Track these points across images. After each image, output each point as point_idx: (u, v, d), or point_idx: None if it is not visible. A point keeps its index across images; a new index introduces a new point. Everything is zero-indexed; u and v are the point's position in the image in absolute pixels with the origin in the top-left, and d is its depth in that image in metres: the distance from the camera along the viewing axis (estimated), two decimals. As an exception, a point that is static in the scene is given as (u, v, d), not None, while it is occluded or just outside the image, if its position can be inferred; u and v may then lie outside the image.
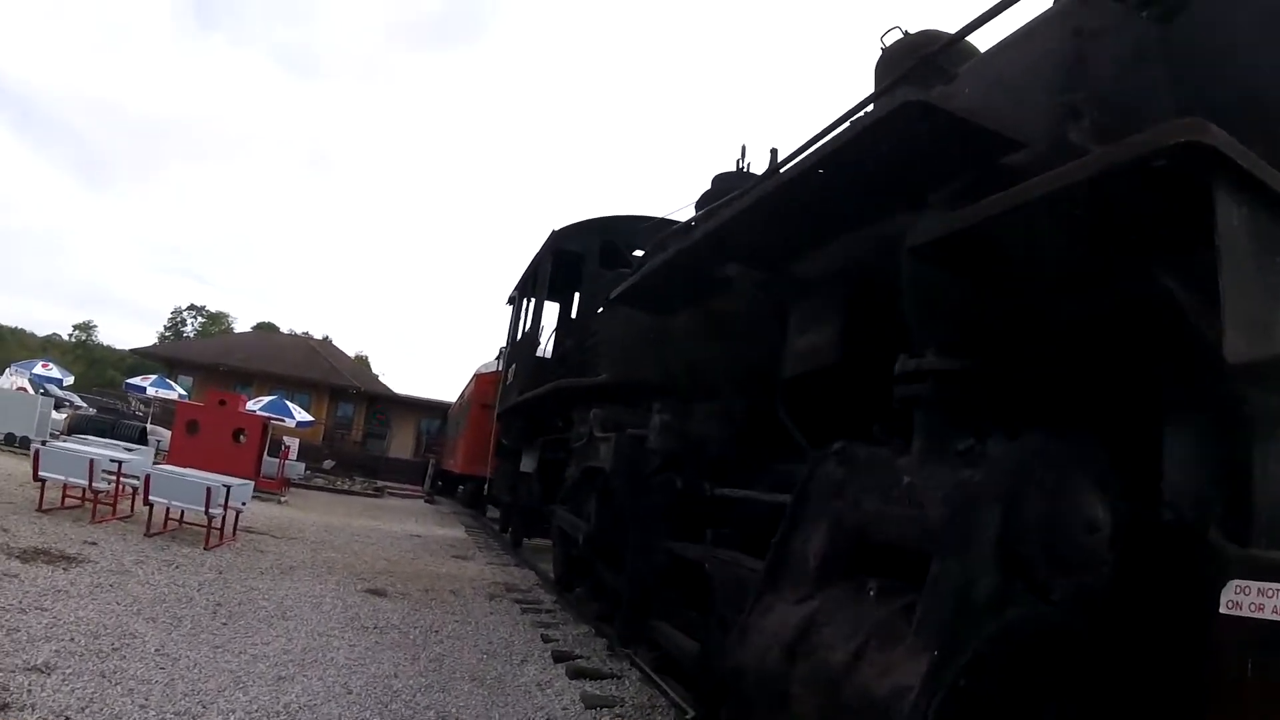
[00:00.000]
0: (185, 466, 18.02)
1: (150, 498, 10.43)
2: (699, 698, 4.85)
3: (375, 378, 50.51)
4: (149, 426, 22.48)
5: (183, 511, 10.95)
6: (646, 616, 6.09)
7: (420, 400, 46.80)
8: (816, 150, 3.83)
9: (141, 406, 27.34)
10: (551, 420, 10.93)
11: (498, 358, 22.82)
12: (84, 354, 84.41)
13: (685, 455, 5.63)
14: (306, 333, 51.74)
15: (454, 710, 5.70)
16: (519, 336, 13.37)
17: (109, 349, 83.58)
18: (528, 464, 12.72)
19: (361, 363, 59.33)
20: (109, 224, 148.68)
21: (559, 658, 7.52)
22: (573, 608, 9.87)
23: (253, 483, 12.66)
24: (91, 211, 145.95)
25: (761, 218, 4.48)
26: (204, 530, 10.58)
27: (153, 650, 5.86)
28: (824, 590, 3.22)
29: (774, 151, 6.70)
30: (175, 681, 5.27)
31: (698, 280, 5.84)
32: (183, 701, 4.93)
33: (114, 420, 22.29)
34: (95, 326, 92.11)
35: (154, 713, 4.67)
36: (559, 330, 12.80)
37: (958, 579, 2.57)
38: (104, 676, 5.11)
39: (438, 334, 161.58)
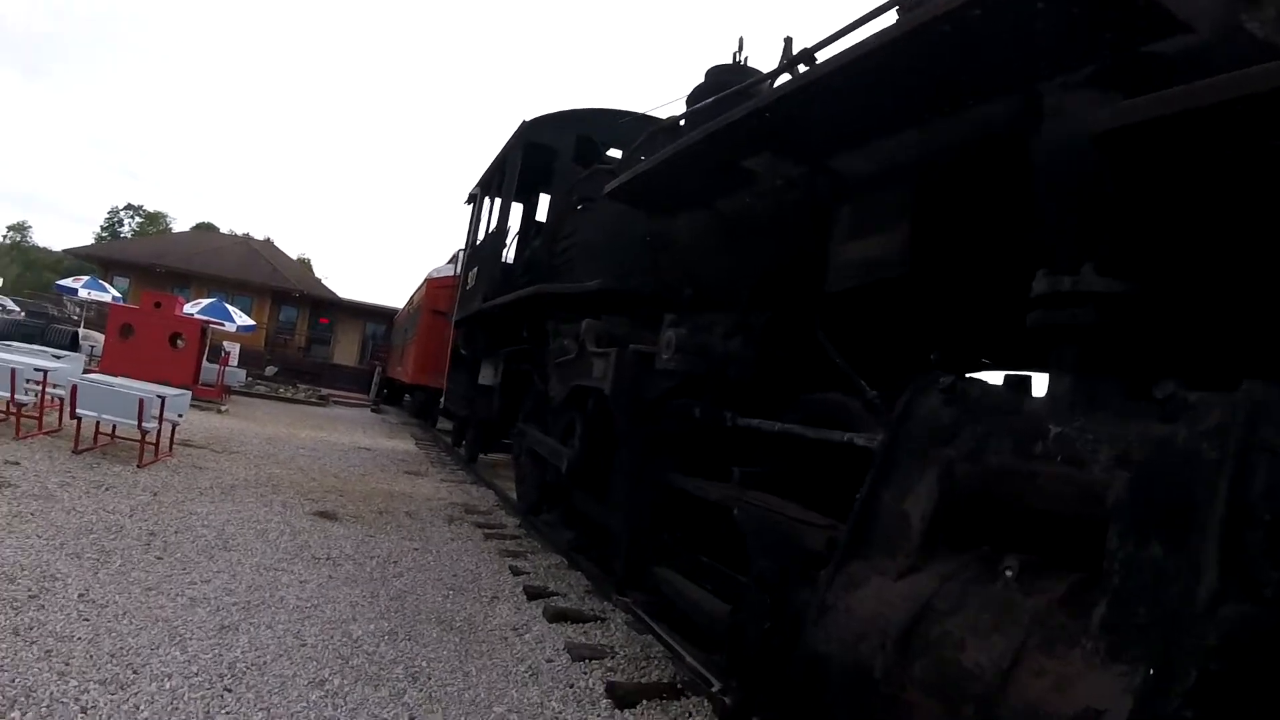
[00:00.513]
0: (119, 374, 17.12)
1: (77, 411, 9.55)
2: (728, 669, 4.20)
3: (319, 282, 48.94)
4: (82, 331, 21.34)
5: (114, 426, 10.09)
6: (647, 560, 5.43)
7: (366, 306, 45.63)
8: (902, 21, 3.08)
9: (77, 310, 26.05)
10: (515, 330, 10.17)
11: (450, 261, 21.90)
12: (19, 256, 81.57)
13: (705, 378, 4.89)
14: (247, 234, 49.80)
15: (424, 664, 5.02)
16: (480, 238, 12.46)
17: (45, 250, 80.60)
18: (487, 376, 11.97)
19: (305, 266, 57.59)
20: (43, 117, 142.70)
21: (533, 594, 6.87)
22: (541, 535, 9.22)
23: (190, 393, 11.79)
24: (23, 102, 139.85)
25: (810, 102, 3.74)
26: (137, 446, 9.74)
27: (75, 596, 5.10)
28: (935, 563, 2.56)
29: (789, 41, 5.91)
30: (100, 637, 4.52)
31: (710, 175, 5.09)
32: (109, 665, 4.18)
33: (43, 325, 21.13)
34: (30, 227, 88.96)
35: (74, 682, 3.92)
36: (523, 231, 11.96)
37: (1162, 567, 1.90)
38: (17, 634, 4.35)
39: (383, 238, 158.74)
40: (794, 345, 5.02)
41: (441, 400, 14.47)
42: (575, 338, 6.38)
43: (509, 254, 11.58)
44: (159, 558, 6.24)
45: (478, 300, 10.82)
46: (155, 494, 8.35)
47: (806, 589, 3.37)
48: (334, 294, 46.89)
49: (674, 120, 7.63)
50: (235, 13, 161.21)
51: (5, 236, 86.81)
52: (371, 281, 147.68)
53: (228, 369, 21.17)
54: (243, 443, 13.50)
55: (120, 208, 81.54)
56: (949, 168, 3.57)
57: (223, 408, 18.55)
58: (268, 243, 49.76)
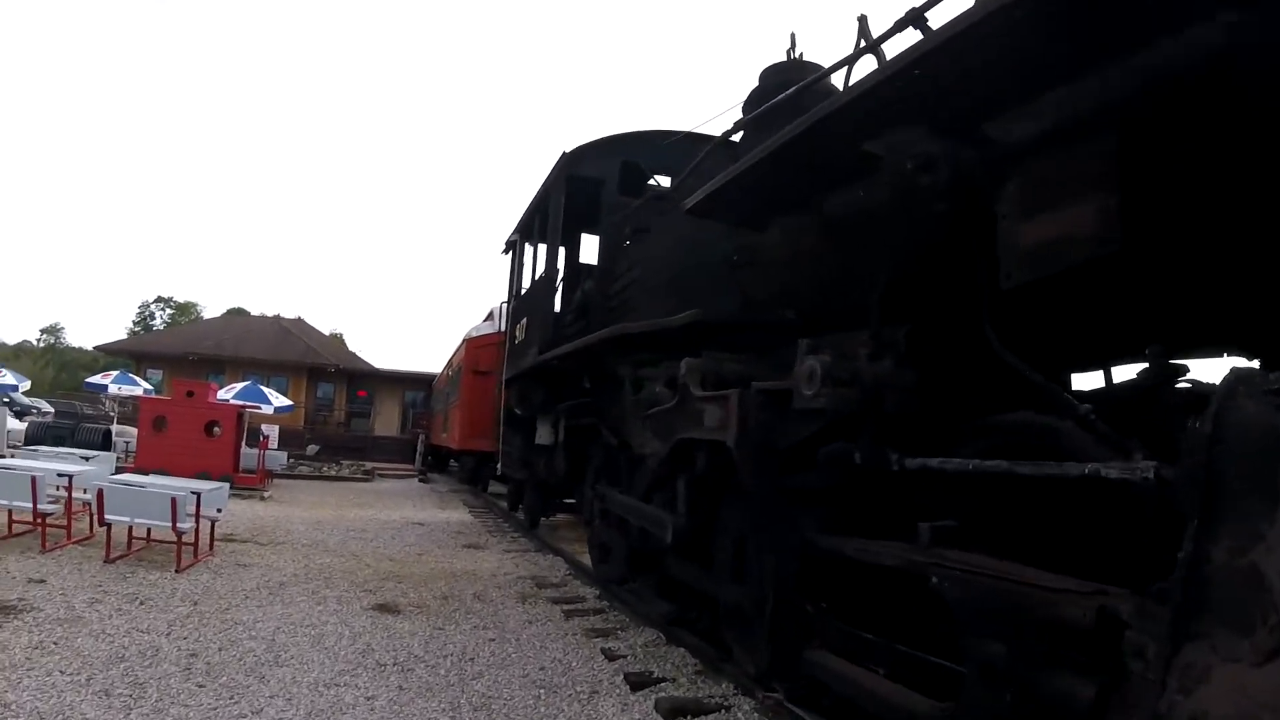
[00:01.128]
0: (154, 468, 16.43)
1: (106, 516, 8.70)
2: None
3: (354, 355, 48.33)
4: (115, 428, 20.60)
5: (149, 529, 9.24)
6: (793, 642, 4.43)
7: (403, 374, 44.86)
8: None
9: (115, 406, 25.43)
10: (576, 382, 9.27)
11: (487, 319, 21.08)
12: (54, 358, 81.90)
13: (857, 414, 3.90)
14: (278, 315, 49.31)
15: (530, 800, 4.08)
16: (524, 287, 11.62)
17: (79, 350, 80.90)
18: (544, 435, 11.07)
19: (338, 341, 57.10)
20: (62, 211, 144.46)
21: (637, 683, 5.92)
22: (627, 606, 8.26)
23: (227, 484, 10.92)
24: (42, 197, 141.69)
25: (964, 53, 2.90)
26: (174, 549, 8.86)
27: (100, 751, 4.21)
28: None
29: (863, 19, 5.03)
30: (127, 813, 3.61)
31: (816, 170, 4.18)
32: None
33: (73, 425, 20.40)
34: (62, 328, 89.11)
35: None
36: (569, 276, 11.06)
37: None
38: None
39: (413, 304, 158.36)
40: (947, 360, 4.06)
41: (498, 465, 13.47)
42: (671, 382, 5.45)
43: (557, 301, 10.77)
44: (201, 685, 5.33)
45: (531, 354, 9.92)
46: (195, 603, 7.46)
47: (1068, 677, 2.61)
48: (370, 365, 46.27)
49: (725, 136, 6.86)
50: (241, 91, 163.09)
51: (39, 339, 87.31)
52: (406, 349, 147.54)
53: (268, 453, 20.39)
54: (289, 531, 12.63)
55: (150, 301, 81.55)
56: (1165, 108, 2.68)
57: (265, 494, 17.74)
58: (299, 321, 49.19)
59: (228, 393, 22.86)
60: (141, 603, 7.29)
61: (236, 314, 59.72)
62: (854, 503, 4.22)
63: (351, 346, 53.14)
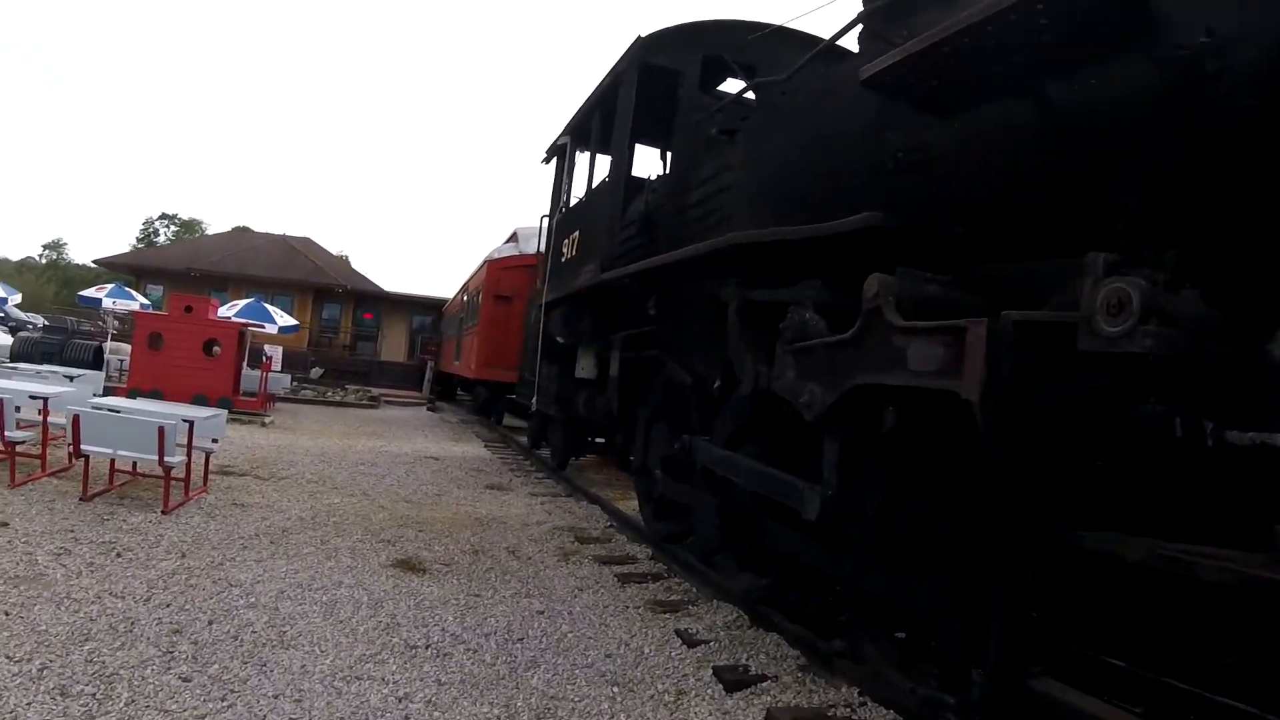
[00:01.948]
0: (148, 389, 15.21)
1: (82, 447, 7.48)
2: None
3: (361, 276, 46.76)
4: (110, 345, 19.29)
5: (134, 461, 8.03)
6: (1019, 666, 3.17)
7: (412, 297, 43.49)
8: None
9: (113, 322, 24.15)
10: (632, 308, 8.02)
11: (509, 240, 19.72)
12: (56, 274, 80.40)
13: (1174, 367, 2.59)
14: (284, 234, 47.61)
15: None
16: (574, 197, 10.25)
17: (81, 267, 79.32)
18: (585, 367, 9.84)
19: (344, 262, 55.56)
20: (67, 126, 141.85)
21: (732, 682, 4.78)
22: (691, 572, 7.13)
23: (225, 412, 9.71)
24: (46, 111, 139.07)
25: None
26: (162, 484, 7.64)
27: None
28: None
29: None
30: None
31: (1061, 41, 2.88)
32: None
33: (63, 341, 19.12)
34: (65, 244, 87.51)
35: None
36: (629, 182, 9.63)
37: None
38: None
39: (421, 227, 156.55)
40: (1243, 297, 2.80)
41: (532, 399, 12.06)
42: (829, 309, 4.18)
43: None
44: (185, 678, 4.15)
45: (587, 272, 8.51)
46: (183, 555, 6.28)
47: None
48: (378, 286, 44.80)
49: (832, 40, 5.56)
50: (257, 13, 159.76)
51: (41, 255, 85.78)
52: (414, 273, 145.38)
53: (271, 375, 19.17)
54: (292, 463, 11.44)
55: (155, 218, 79.54)
56: None
57: (267, 419, 16.54)
58: (306, 240, 47.60)
59: (229, 310, 21.54)
60: (119, 554, 6.11)
61: (241, 231, 58.03)
62: (1128, 489, 2.95)
63: (358, 269, 51.27)
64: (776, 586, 5.79)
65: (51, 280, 76.55)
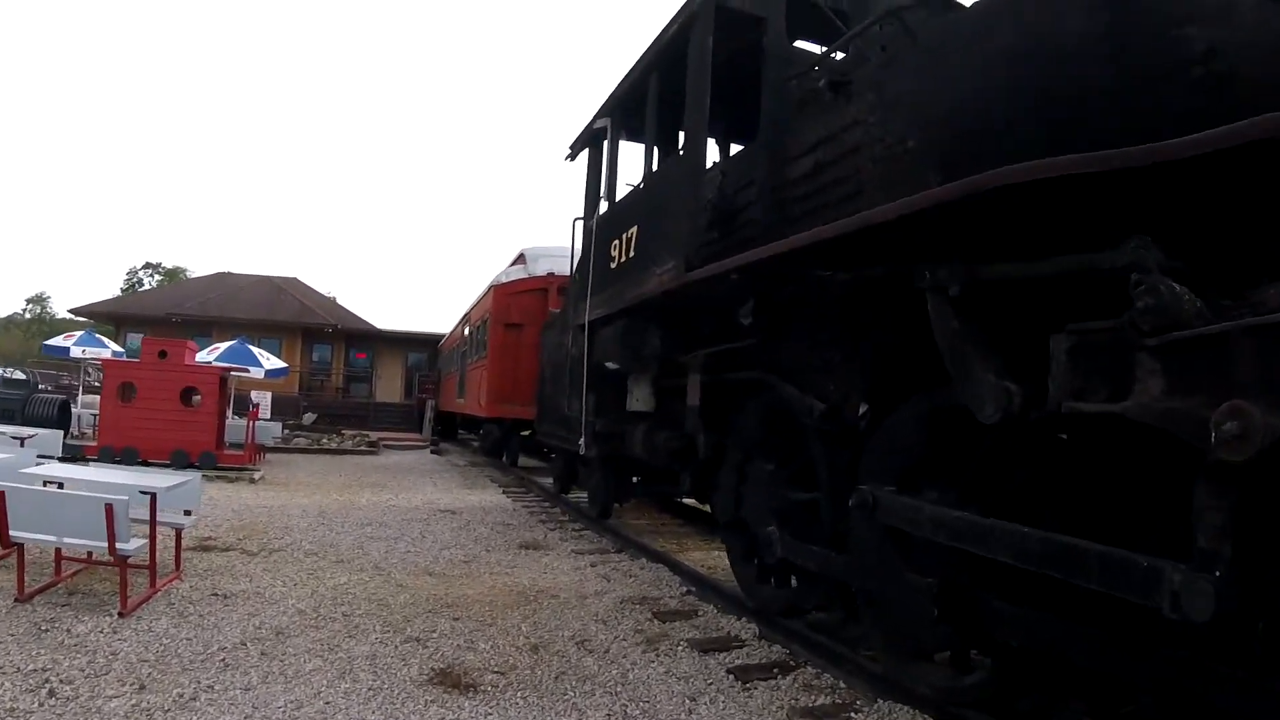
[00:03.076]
0: (121, 447, 13.35)
1: (11, 534, 5.66)
2: None
3: (351, 314, 44.66)
4: (82, 399, 17.43)
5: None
6: None
7: (406, 334, 41.59)
8: None
9: (94, 374, 22.13)
10: (709, 322, 6.58)
11: (515, 262, 17.97)
12: (40, 329, 78.45)
13: None
14: (269, 275, 45.54)
15: None
16: (622, 188, 8.34)
17: (67, 321, 77.38)
18: (640, 399, 8.12)
19: (331, 302, 53.53)
20: (49, 180, 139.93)
21: None
22: (826, 655, 5.38)
23: (198, 476, 7.83)
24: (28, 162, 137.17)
25: None
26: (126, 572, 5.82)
27: None
28: None
29: None
30: None
31: None
32: None
33: (24, 396, 17.18)
34: (49, 297, 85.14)
35: None
36: (652, 172, 7.75)
37: None
38: None
39: (409, 264, 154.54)
40: None
41: (568, 439, 10.01)
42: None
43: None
44: None
45: (659, 275, 6.52)
46: (142, 687, 4.50)
47: None
48: (370, 324, 42.79)
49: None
50: (228, 56, 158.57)
51: (25, 309, 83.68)
52: (404, 310, 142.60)
53: (259, 424, 17.30)
54: (286, 528, 9.60)
55: (139, 267, 77.42)
56: None
57: (256, 474, 14.63)
58: (293, 280, 45.61)
59: (210, 354, 19.65)
60: (52, 692, 4.33)
61: (225, 275, 56.06)
62: None
63: (348, 307, 49.09)
64: (993, 685, 4.02)
65: (36, 335, 74.64)
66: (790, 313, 5.60)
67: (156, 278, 76.01)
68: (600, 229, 8.56)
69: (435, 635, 5.73)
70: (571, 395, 9.52)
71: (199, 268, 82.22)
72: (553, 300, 15.93)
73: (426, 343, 39.41)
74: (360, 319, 43.15)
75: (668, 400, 8.19)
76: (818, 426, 5.34)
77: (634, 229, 7.37)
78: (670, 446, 7.69)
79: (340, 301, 46.07)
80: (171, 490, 6.48)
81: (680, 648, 5.78)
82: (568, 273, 16.59)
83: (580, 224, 9.51)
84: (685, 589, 7.55)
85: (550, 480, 14.56)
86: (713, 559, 9.29)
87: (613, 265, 7.96)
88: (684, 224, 6.11)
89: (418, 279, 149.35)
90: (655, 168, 7.27)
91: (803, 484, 5.88)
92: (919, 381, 4.55)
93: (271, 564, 7.67)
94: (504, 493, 14.80)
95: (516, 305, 16.70)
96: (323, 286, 56.43)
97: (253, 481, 13.98)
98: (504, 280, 17.39)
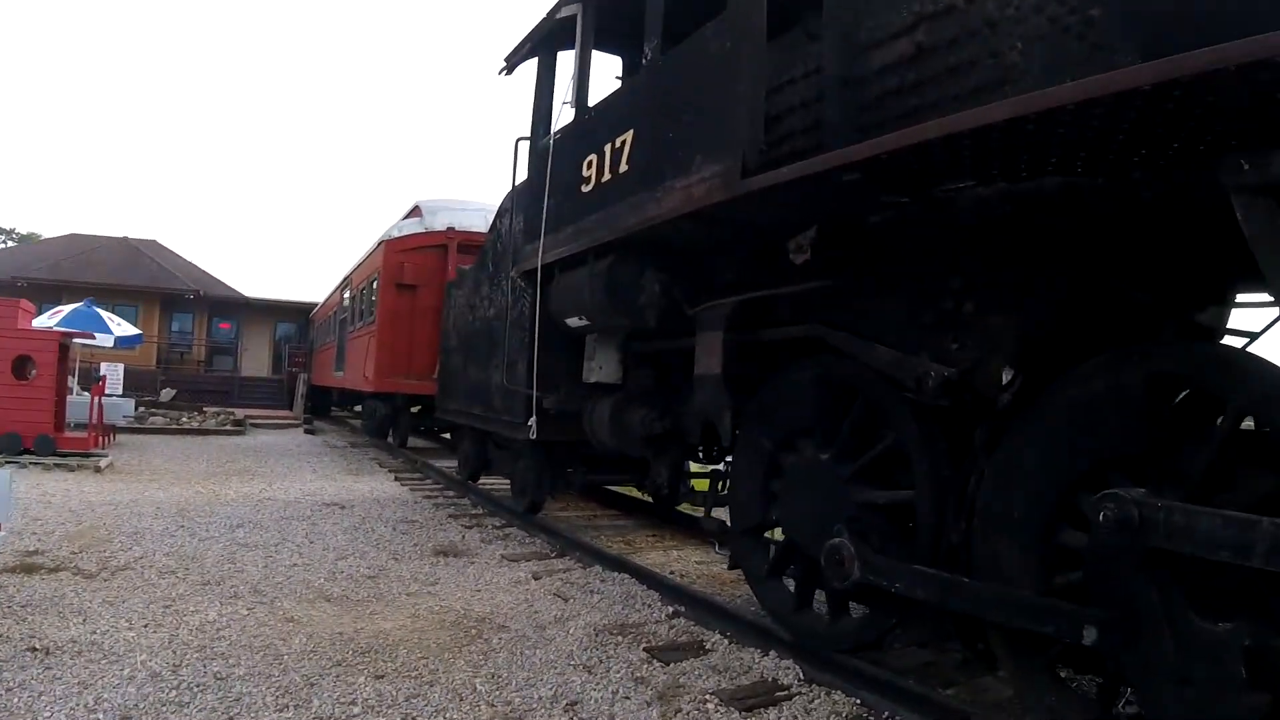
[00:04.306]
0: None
1: None
2: None
3: (216, 280, 41.30)
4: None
5: None
6: None
7: (275, 303, 38.75)
8: None
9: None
10: (715, 264, 5.38)
11: (410, 215, 15.95)
12: None
13: None
14: (126, 236, 41.80)
15: None
16: (576, 99, 6.50)
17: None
18: (604, 367, 6.44)
19: (194, 267, 49.82)
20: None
21: None
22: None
23: (5, 473, 5.67)
24: None
25: None
26: None
27: None
28: None
29: None
30: None
31: None
32: None
33: None
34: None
35: None
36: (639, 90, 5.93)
37: None
38: None
39: (277, 230, 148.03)
40: None
41: (531, 424, 7.76)
42: None
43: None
44: None
45: (684, 186, 4.54)
46: None
47: None
48: (236, 291, 39.68)
49: None
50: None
51: None
52: (270, 279, 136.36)
53: (108, 400, 14.94)
54: (136, 534, 7.60)
55: (-12, 232, 71.68)
56: None
57: (103, 461, 12.30)
58: (152, 243, 42.05)
59: (51, 318, 17.07)
60: None
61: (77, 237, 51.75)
62: None
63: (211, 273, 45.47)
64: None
65: None
66: (880, 245, 4.09)
67: (10, 244, 70.59)
68: (562, 147, 6.68)
69: (357, 712, 3.91)
70: (510, 365, 7.71)
71: (55, 232, 76.57)
72: (453, 259, 14.03)
73: (297, 311, 36.84)
74: (225, 285, 40.05)
75: (639, 370, 6.49)
76: (930, 402, 3.81)
77: (627, 135, 5.49)
78: (650, 430, 5.99)
79: (202, 267, 42.67)
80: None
81: (709, 704, 4.14)
82: (472, 228, 14.81)
83: (525, 146, 7.61)
84: (671, 608, 5.88)
85: (452, 464, 12.70)
86: (676, 561, 7.70)
87: (585, 189, 6.08)
88: (737, 114, 4.30)
89: (287, 244, 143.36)
90: (654, 56, 5.40)
91: (872, 480, 4.39)
92: (1109, 338, 3.44)
93: (115, 591, 5.71)
94: (397, 480, 12.83)
95: (411, 264, 14.73)
96: (185, 251, 52.61)
97: (98, 470, 11.72)
98: (396, 235, 15.33)
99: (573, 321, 6.37)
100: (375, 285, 15.99)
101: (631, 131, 5.45)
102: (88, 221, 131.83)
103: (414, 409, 16.74)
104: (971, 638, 3.99)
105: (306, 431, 22.46)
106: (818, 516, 4.54)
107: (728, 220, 4.69)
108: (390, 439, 17.65)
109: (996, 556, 3.60)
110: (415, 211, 15.67)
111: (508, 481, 9.95)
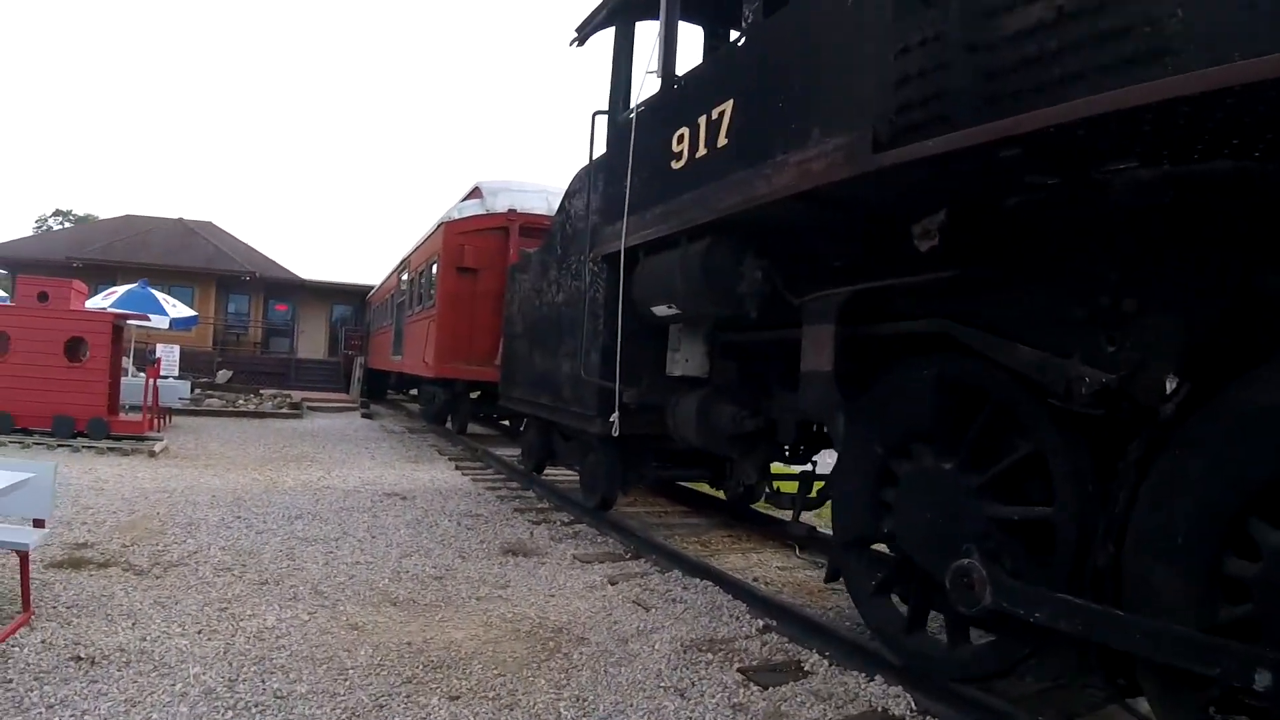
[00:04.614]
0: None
1: None
2: None
3: (272, 262, 41.28)
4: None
5: None
6: None
7: (332, 285, 38.64)
8: None
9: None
10: (821, 250, 4.87)
11: (470, 196, 15.55)
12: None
13: None
14: (181, 218, 41.88)
15: None
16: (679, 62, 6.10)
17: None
18: (689, 359, 6.02)
19: (250, 248, 49.92)
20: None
21: None
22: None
23: (50, 469, 5.17)
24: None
25: None
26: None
27: None
28: None
29: None
30: None
31: None
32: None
33: None
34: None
35: None
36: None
37: None
38: None
39: (334, 211, 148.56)
40: None
41: (614, 421, 7.09)
42: None
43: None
44: None
45: (800, 161, 3.96)
46: None
47: None
48: (292, 273, 39.62)
49: None
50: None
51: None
52: (327, 261, 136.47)
53: (163, 382, 14.72)
54: (190, 525, 7.27)
55: (48, 215, 72.20)
56: None
57: (157, 445, 12.05)
58: (208, 224, 42.06)
59: (105, 299, 16.89)
60: None
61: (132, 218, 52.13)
62: None
63: (267, 255, 45.42)
64: None
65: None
66: (1019, 232, 3.66)
67: (67, 225, 71.37)
68: (647, 120, 6.19)
69: (431, 745, 3.49)
70: (584, 353, 7.25)
71: (110, 213, 77.51)
72: (515, 242, 13.60)
73: (354, 294, 36.76)
74: (281, 267, 40.01)
75: (726, 362, 6.03)
76: (1080, 409, 3.41)
77: (726, 106, 4.99)
78: (740, 428, 5.51)
79: (258, 249, 42.65)
80: (4, 495, 4.12)
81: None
82: (533, 210, 14.36)
83: (604, 120, 7.13)
84: (761, 621, 5.42)
85: (513, 454, 12.32)
86: (756, 565, 7.23)
87: (675, 165, 5.60)
88: (864, 80, 3.79)
89: (343, 226, 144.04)
90: (756, 18, 4.88)
91: (1000, 494, 3.92)
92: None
93: (167, 590, 5.35)
94: (458, 469, 12.46)
95: (471, 246, 14.31)
96: (241, 232, 52.71)
97: (153, 454, 11.46)
98: (456, 217, 14.92)
99: (660, 310, 5.89)
100: (435, 268, 15.63)
101: (731, 102, 4.94)
102: (144, 203, 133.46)
103: (474, 395, 16.39)
104: (1114, 672, 3.50)
105: (364, 415, 22.22)
106: (939, 532, 4.06)
107: (846, 201, 4.19)
108: (449, 425, 17.34)
109: (1152, 585, 3.12)
110: (475, 193, 15.26)
111: (572, 473, 9.59)
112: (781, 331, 5.19)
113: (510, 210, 14.23)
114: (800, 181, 4.14)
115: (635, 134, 6.27)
